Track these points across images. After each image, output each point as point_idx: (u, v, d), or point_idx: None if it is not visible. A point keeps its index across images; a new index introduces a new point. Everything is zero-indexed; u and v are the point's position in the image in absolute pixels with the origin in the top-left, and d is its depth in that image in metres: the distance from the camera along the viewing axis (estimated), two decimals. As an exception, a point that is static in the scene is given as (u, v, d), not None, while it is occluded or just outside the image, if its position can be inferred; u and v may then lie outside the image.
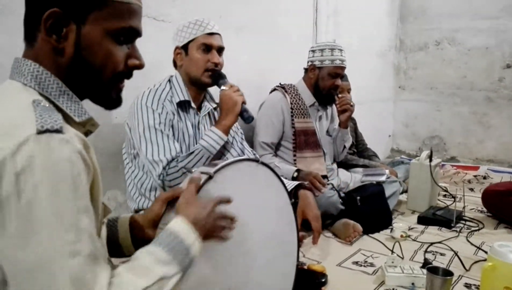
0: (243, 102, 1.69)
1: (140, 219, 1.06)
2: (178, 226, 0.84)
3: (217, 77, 1.72)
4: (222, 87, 1.70)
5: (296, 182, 1.80)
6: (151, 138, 1.61)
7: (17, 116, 0.70)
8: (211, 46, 1.70)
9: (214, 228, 0.92)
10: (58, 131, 0.68)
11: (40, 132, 0.67)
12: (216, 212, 0.93)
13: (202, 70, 1.70)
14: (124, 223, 1.05)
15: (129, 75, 0.85)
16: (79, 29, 0.77)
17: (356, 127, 3.41)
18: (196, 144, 1.74)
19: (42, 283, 0.64)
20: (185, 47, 1.71)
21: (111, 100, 0.85)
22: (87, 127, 0.83)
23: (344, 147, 2.73)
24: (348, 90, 3.02)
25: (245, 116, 1.69)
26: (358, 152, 3.31)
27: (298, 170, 2.30)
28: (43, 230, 0.65)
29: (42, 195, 0.65)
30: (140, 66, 0.85)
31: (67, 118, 0.77)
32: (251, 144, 2.37)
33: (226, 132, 1.69)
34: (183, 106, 1.73)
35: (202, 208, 0.91)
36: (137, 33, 0.84)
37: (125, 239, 1.04)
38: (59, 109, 0.76)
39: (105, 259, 0.86)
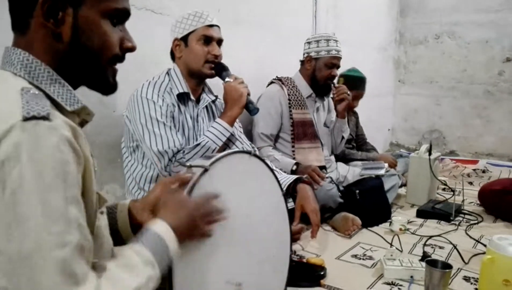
0: (248, 94, 1.69)
1: (140, 203, 1.06)
2: (162, 228, 0.84)
3: (221, 69, 1.72)
4: (227, 79, 1.70)
5: (294, 176, 1.80)
6: (154, 130, 1.60)
7: (3, 104, 0.68)
8: (211, 38, 1.69)
9: (197, 228, 0.92)
10: (45, 118, 0.66)
11: (26, 118, 0.65)
12: (200, 213, 0.92)
13: (202, 62, 1.69)
14: (123, 210, 1.05)
15: (122, 59, 0.85)
16: (76, 12, 0.76)
17: (358, 121, 3.41)
18: (195, 136, 1.74)
19: (30, 274, 0.62)
20: (184, 39, 1.70)
21: (108, 84, 0.85)
22: (82, 117, 0.81)
23: (343, 137, 2.72)
24: (359, 96, 3.08)
25: (250, 107, 1.69)
26: (357, 146, 3.31)
27: (297, 163, 2.30)
28: (30, 221, 0.63)
29: (27, 185, 0.63)
30: (133, 49, 0.85)
31: (59, 107, 0.75)
32: (250, 137, 2.37)
33: (232, 123, 1.69)
34: (182, 98, 1.72)
35: (185, 211, 0.90)
36: (128, 14, 0.84)
37: (124, 226, 1.04)
38: (50, 99, 0.74)
39: (109, 250, 0.87)
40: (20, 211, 0.63)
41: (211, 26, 1.69)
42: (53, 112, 0.69)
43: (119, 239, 1.04)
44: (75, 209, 0.67)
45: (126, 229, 1.04)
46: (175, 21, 1.72)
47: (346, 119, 2.68)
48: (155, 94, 1.64)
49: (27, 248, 0.62)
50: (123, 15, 0.83)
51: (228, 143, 1.78)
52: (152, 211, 1.03)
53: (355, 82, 3.04)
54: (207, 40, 1.69)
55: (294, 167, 2.28)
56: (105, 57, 0.81)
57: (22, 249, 0.62)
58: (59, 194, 0.65)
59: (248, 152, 1.20)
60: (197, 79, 1.75)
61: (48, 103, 0.70)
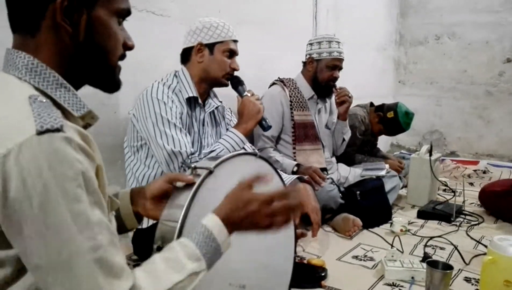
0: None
1: (141, 191, 1.07)
2: (212, 222, 0.85)
3: (237, 83, 1.79)
4: (245, 93, 1.77)
5: (295, 176, 1.80)
6: (166, 130, 1.61)
7: (14, 116, 0.68)
8: (234, 53, 1.77)
9: (256, 222, 0.90)
10: (59, 130, 0.66)
11: (40, 132, 0.65)
12: (260, 208, 0.89)
13: (223, 73, 1.75)
14: (125, 197, 1.06)
15: (124, 57, 0.87)
16: (90, 12, 0.77)
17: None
18: (200, 140, 1.76)
19: (69, 280, 0.66)
20: (210, 46, 1.72)
21: (115, 82, 0.86)
22: (86, 120, 0.81)
23: (343, 140, 2.72)
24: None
25: (264, 125, 1.76)
26: (369, 152, 3.28)
27: (298, 165, 2.30)
28: (62, 232, 0.65)
29: (54, 197, 0.65)
30: (133, 47, 0.87)
31: (65, 112, 0.75)
32: (251, 138, 2.37)
33: (247, 135, 1.75)
34: (190, 102, 1.74)
35: (239, 202, 0.89)
36: (130, 13, 0.86)
37: (127, 213, 1.05)
38: (57, 104, 0.74)
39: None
40: (51, 223, 0.65)
41: (235, 41, 1.77)
42: (65, 122, 0.70)
43: (122, 228, 1.05)
44: (98, 211, 0.70)
45: (129, 217, 1.05)
46: (202, 26, 1.72)
47: (347, 121, 2.68)
48: (165, 95, 1.65)
49: (66, 256, 0.65)
50: (126, 14, 0.85)
51: None
52: (153, 200, 1.04)
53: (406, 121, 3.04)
54: (232, 53, 1.76)
55: (295, 169, 2.28)
56: (116, 55, 0.83)
57: (61, 258, 0.65)
58: (84, 202, 0.67)
59: (254, 154, 1.20)
60: (209, 85, 1.79)
61: (59, 113, 0.71)
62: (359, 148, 3.07)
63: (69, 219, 0.65)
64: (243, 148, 1.76)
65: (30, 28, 0.76)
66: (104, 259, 0.68)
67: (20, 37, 0.77)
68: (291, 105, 2.46)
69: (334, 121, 2.71)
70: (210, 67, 1.73)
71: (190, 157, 1.61)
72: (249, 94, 1.77)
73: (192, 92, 1.72)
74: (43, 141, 0.65)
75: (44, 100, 0.71)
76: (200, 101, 1.76)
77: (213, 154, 1.63)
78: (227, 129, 1.84)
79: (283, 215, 0.92)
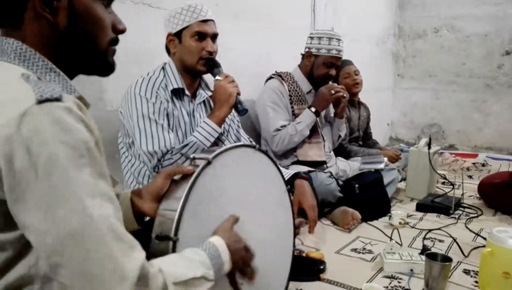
0: (238, 94, 1.65)
1: (141, 192, 1.06)
2: (219, 242, 0.89)
3: (212, 66, 1.68)
4: (217, 77, 1.66)
5: (292, 171, 1.79)
6: (145, 128, 1.59)
7: (12, 90, 0.68)
8: (205, 34, 1.65)
9: (238, 261, 0.94)
10: (58, 99, 0.66)
11: (40, 101, 0.64)
12: (243, 250, 0.97)
13: (196, 59, 1.66)
14: (125, 199, 1.05)
15: (117, 41, 0.86)
16: None
17: (369, 118, 3.41)
18: (191, 132, 1.72)
19: (86, 247, 0.63)
20: (178, 35, 1.67)
21: (108, 65, 0.85)
22: None
23: (339, 136, 2.75)
24: (356, 72, 3.07)
25: (239, 108, 1.65)
26: (364, 144, 3.30)
27: (312, 103, 2.42)
28: (70, 199, 0.64)
29: (61, 164, 0.63)
30: (124, 31, 0.86)
31: None
32: (255, 136, 2.35)
33: (220, 123, 1.66)
34: (177, 93, 1.70)
35: (235, 241, 0.94)
36: None
37: (127, 216, 1.03)
38: None
39: None
40: (59, 192, 0.63)
41: (205, 21, 1.65)
42: (63, 93, 0.69)
43: None
44: (103, 183, 0.69)
45: (129, 219, 1.04)
46: (168, 16, 1.68)
47: (344, 119, 2.70)
48: (148, 91, 1.61)
49: (77, 224, 0.63)
50: None
51: (217, 142, 1.75)
52: (154, 200, 1.03)
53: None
54: (201, 36, 1.64)
55: (313, 109, 2.39)
56: (104, 40, 0.82)
57: (72, 226, 0.63)
58: (88, 171, 0.66)
59: (253, 146, 1.19)
60: (192, 75, 1.73)
61: (56, 85, 0.70)
62: (352, 138, 3.10)
63: (76, 186, 0.64)
64: (219, 138, 1.71)
65: (13, 22, 0.75)
66: (116, 228, 0.66)
67: (6, 31, 0.77)
68: (290, 98, 2.45)
69: (331, 115, 2.71)
70: (182, 55, 1.67)
71: (164, 155, 1.59)
72: (221, 78, 1.65)
73: (178, 83, 1.68)
74: (43, 109, 0.64)
75: (36, 78, 0.71)
76: (187, 92, 1.72)
77: (186, 149, 1.59)
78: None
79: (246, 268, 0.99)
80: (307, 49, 2.50)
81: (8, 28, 0.76)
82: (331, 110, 2.72)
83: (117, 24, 0.84)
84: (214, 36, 1.69)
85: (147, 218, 1.08)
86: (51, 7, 0.74)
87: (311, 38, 2.49)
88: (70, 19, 0.76)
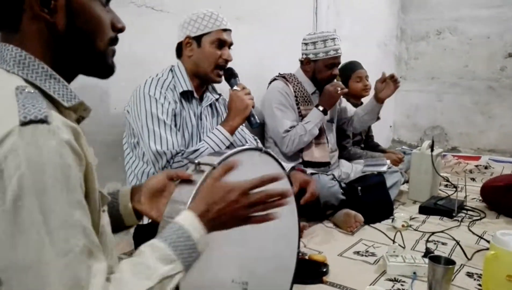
0: (252, 106, 1.69)
1: (141, 188, 1.06)
2: (187, 219, 0.82)
3: (230, 75, 1.74)
4: (235, 87, 1.71)
5: (290, 165, 1.79)
6: (154, 129, 1.60)
7: (0, 107, 0.66)
8: (224, 42, 1.70)
9: (237, 215, 0.87)
10: (43, 121, 0.64)
11: (23, 123, 0.63)
12: (239, 198, 0.87)
13: (213, 66, 1.70)
14: (125, 195, 1.05)
15: (117, 40, 0.84)
16: None
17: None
18: (199, 134, 1.74)
19: (33, 285, 0.61)
20: (197, 39, 1.69)
21: (108, 67, 0.84)
22: (78, 113, 0.79)
23: (378, 118, 2.85)
24: (366, 77, 3.08)
25: (252, 121, 1.69)
26: (366, 147, 3.30)
27: (319, 101, 2.42)
28: (31, 231, 0.61)
29: (28, 193, 0.61)
30: (123, 29, 0.84)
31: (56, 104, 0.74)
32: (258, 136, 2.35)
33: (232, 132, 1.69)
34: (185, 96, 1.72)
35: (222, 197, 0.86)
36: None
37: (126, 210, 1.03)
38: (46, 95, 0.73)
39: (112, 248, 0.86)
40: (21, 221, 0.61)
41: (225, 30, 1.70)
42: (50, 113, 0.67)
43: (122, 225, 1.04)
44: (78, 213, 0.66)
45: (129, 214, 1.04)
46: (189, 19, 1.70)
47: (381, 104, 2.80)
48: (157, 91, 1.63)
49: (30, 258, 0.61)
50: None
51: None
52: (152, 197, 1.03)
53: (346, 70, 3.02)
54: (221, 44, 1.69)
55: (321, 108, 2.39)
56: (103, 39, 0.80)
57: (26, 260, 0.61)
58: (61, 200, 0.64)
59: (259, 149, 1.19)
60: (202, 81, 1.76)
61: (44, 104, 0.68)
62: (354, 141, 3.10)
63: (40, 219, 0.62)
64: (232, 144, 1.72)
65: (12, 24, 0.74)
66: (71, 268, 0.63)
67: (5, 34, 0.76)
68: (296, 99, 2.45)
69: (335, 117, 2.71)
70: (199, 60, 1.70)
71: (174, 157, 1.59)
72: (238, 88, 1.70)
73: (187, 86, 1.71)
74: (25, 132, 0.63)
75: (32, 91, 0.69)
76: (196, 95, 1.74)
77: (196, 154, 1.60)
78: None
79: (265, 204, 0.88)
80: (304, 56, 2.48)
81: (6, 32, 0.75)
82: (335, 110, 2.72)
83: (116, 23, 0.83)
84: (230, 45, 1.74)
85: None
86: (49, 7, 0.73)
87: (306, 44, 2.46)
88: (68, 19, 0.75)
